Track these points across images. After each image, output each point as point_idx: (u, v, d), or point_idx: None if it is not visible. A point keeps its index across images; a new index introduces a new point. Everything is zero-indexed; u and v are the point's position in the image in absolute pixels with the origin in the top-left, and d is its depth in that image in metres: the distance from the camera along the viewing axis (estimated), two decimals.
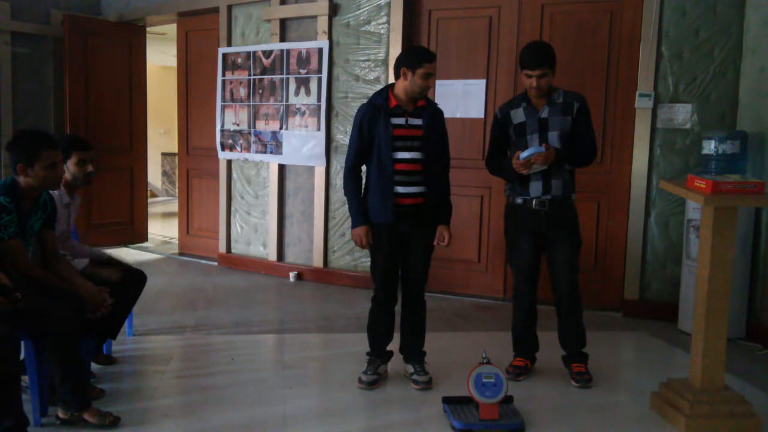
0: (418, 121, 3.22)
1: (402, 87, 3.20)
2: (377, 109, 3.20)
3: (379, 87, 5.13)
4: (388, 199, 3.17)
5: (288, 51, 5.56)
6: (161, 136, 11.62)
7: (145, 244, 7.09)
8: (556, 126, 3.29)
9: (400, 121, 3.20)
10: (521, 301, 3.48)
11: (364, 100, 5.21)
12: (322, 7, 5.34)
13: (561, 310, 3.42)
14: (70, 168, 3.22)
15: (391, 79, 5.09)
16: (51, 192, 3.04)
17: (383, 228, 3.22)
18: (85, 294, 2.89)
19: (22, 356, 2.64)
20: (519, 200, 3.38)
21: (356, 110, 3.29)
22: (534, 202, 3.31)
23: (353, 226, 3.26)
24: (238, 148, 5.95)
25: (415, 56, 3.18)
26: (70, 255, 3.29)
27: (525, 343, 3.51)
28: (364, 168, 3.31)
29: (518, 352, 3.52)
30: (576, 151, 3.33)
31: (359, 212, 3.24)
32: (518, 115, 3.36)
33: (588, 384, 3.33)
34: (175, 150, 7.84)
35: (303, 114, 5.52)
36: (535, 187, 3.31)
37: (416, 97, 3.21)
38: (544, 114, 3.31)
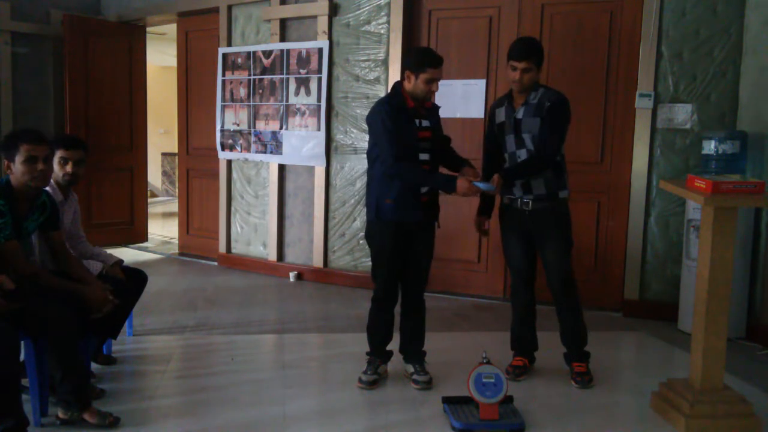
0: (426, 123, 3.23)
1: (408, 89, 3.19)
2: (397, 110, 3.16)
3: (379, 87, 5.14)
4: (418, 198, 3.17)
5: (288, 51, 5.56)
6: (161, 136, 11.63)
7: (145, 244, 7.09)
8: (528, 128, 3.27)
9: (415, 123, 3.20)
10: (517, 300, 3.50)
11: (365, 100, 5.26)
12: (322, 7, 5.34)
13: (558, 308, 3.43)
14: (53, 166, 3.15)
15: (391, 79, 5.12)
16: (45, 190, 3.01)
17: (392, 227, 3.21)
18: (88, 293, 2.88)
19: (22, 357, 2.64)
20: (506, 200, 3.40)
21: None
22: (519, 202, 3.32)
23: (450, 190, 3.10)
24: (238, 148, 5.95)
25: (420, 60, 3.13)
26: (80, 257, 3.29)
27: (523, 342, 3.51)
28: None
29: (516, 351, 3.53)
30: (520, 169, 3.24)
31: (445, 178, 3.13)
32: (500, 115, 3.37)
33: (588, 384, 3.33)
34: (175, 150, 7.84)
35: (303, 114, 5.52)
36: (517, 188, 3.31)
37: (420, 100, 3.20)
38: (519, 115, 3.29)
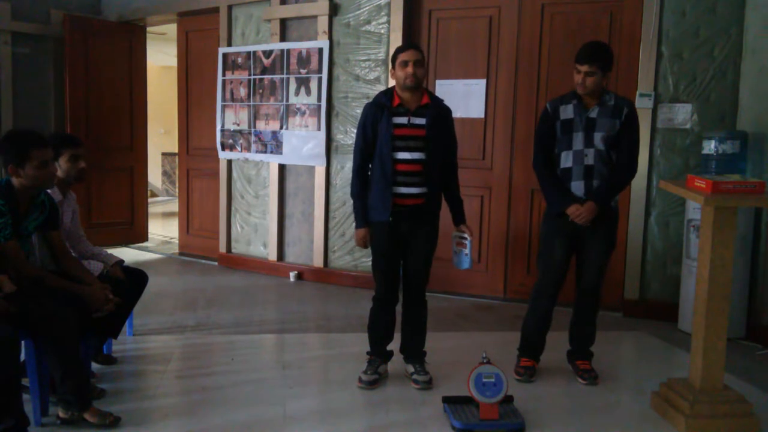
0: (421, 121, 3.20)
1: (396, 86, 3.24)
2: (381, 109, 3.20)
3: (379, 87, 5.13)
4: (387, 199, 3.17)
5: (288, 51, 5.56)
6: (161, 136, 11.63)
7: (145, 244, 7.09)
8: (603, 127, 3.24)
9: (403, 120, 3.19)
10: (542, 303, 3.42)
11: (365, 100, 5.25)
12: (322, 7, 5.34)
13: (580, 308, 3.43)
14: (62, 165, 3.19)
15: (391, 79, 5.11)
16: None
17: (382, 227, 3.22)
18: (88, 293, 2.88)
19: (22, 357, 2.64)
20: None
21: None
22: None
23: (356, 227, 3.30)
24: (239, 148, 5.95)
25: (395, 51, 3.25)
26: (80, 256, 3.30)
27: (534, 345, 3.48)
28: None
29: (525, 352, 3.49)
30: (614, 181, 3.27)
31: (360, 214, 3.27)
32: (567, 112, 3.31)
33: (595, 381, 3.34)
34: (175, 150, 7.84)
35: (303, 114, 5.52)
36: (577, 188, 3.27)
37: (406, 88, 3.18)
38: (593, 114, 3.26)
